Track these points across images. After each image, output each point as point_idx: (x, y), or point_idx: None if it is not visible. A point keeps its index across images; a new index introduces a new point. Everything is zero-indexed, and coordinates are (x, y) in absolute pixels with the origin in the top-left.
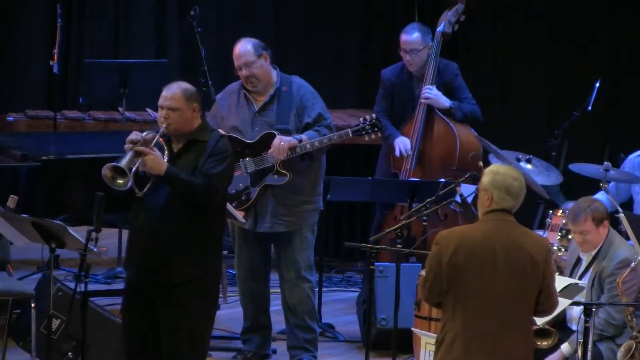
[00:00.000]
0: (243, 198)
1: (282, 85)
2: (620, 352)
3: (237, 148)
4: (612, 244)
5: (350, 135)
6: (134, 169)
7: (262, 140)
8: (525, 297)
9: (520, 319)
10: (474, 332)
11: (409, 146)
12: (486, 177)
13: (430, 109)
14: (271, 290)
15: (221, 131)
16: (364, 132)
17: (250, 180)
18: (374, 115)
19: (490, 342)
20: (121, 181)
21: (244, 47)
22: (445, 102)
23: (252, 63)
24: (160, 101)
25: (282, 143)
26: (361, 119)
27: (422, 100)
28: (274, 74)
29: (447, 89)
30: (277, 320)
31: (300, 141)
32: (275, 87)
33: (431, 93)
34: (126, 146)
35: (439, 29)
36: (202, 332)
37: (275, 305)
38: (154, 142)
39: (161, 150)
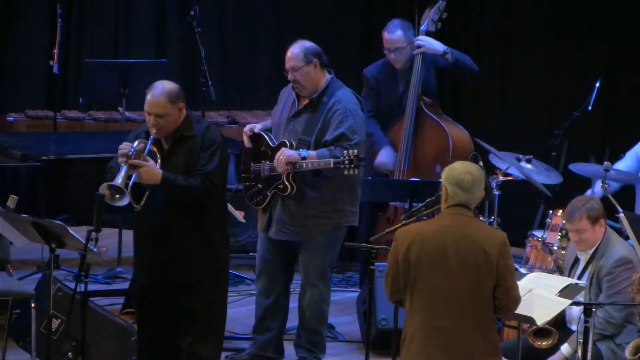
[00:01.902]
0: (260, 198)
1: (323, 96)
2: (628, 349)
3: (263, 148)
4: (609, 242)
5: (332, 165)
6: (130, 183)
7: (278, 148)
8: (481, 291)
9: (478, 314)
10: (429, 327)
11: (391, 166)
12: (443, 174)
13: (419, 109)
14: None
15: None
16: (342, 166)
17: (265, 184)
18: (355, 151)
19: (445, 337)
20: (119, 196)
21: (295, 51)
22: (439, 46)
23: (298, 68)
24: (147, 107)
25: (281, 157)
26: (345, 152)
27: (417, 51)
28: (324, 81)
29: (439, 72)
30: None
31: (304, 158)
32: (312, 97)
33: (423, 41)
34: (119, 160)
35: (423, 27)
36: (218, 325)
37: None
38: (145, 151)
39: (153, 157)
